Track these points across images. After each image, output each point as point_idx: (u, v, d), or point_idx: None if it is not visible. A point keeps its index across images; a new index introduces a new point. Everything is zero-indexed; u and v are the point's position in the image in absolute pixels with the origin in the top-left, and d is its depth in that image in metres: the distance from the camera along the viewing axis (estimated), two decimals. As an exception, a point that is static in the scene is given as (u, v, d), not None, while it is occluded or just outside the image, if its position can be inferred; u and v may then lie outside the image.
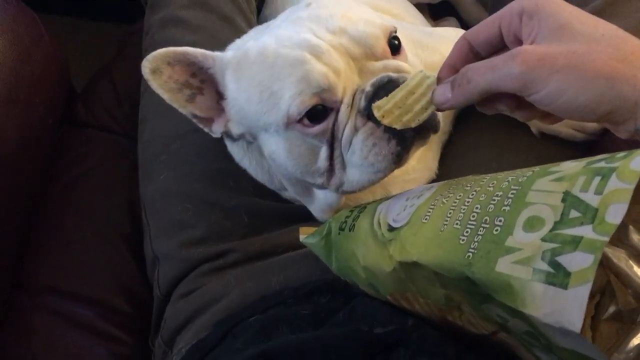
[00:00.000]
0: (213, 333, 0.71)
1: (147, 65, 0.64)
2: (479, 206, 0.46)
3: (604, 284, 0.41)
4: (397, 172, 0.65)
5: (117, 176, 0.97)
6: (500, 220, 0.43)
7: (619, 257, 0.41)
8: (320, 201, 0.75)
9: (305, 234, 0.68)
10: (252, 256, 0.78)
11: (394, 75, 0.60)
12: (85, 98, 1.08)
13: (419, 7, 1.12)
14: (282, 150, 0.65)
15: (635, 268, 0.40)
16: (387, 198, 0.62)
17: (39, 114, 0.91)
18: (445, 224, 0.48)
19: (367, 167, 0.62)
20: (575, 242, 0.37)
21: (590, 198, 0.38)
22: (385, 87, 0.59)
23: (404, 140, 0.60)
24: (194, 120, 0.70)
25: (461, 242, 0.45)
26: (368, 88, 0.60)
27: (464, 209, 0.48)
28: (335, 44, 0.61)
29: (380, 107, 0.58)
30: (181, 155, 0.84)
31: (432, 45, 0.83)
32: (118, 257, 0.92)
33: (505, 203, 0.44)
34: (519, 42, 0.49)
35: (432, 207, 0.52)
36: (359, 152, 0.62)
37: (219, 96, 0.69)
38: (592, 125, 0.76)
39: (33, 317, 0.87)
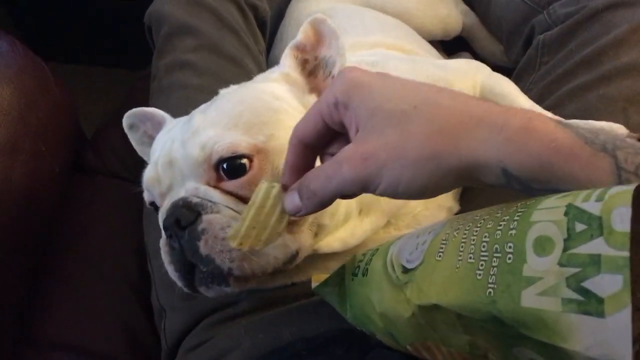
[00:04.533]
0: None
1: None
2: (487, 234, 0.42)
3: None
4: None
5: (126, 223, 0.94)
6: (510, 247, 0.39)
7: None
8: None
9: (318, 282, 0.62)
10: (262, 304, 0.73)
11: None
12: (95, 144, 1.07)
13: (432, 42, 1.10)
14: None
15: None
16: (399, 238, 0.57)
17: (45, 162, 0.90)
18: (460, 259, 0.43)
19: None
20: (596, 263, 0.33)
21: (592, 206, 0.35)
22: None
23: None
24: None
25: (478, 277, 0.40)
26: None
27: (474, 239, 0.43)
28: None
29: (236, 235, 0.54)
30: None
31: (445, 78, 0.81)
32: (126, 308, 0.89)
33: (512, 227, 0.40)
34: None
35: (445, 242, 0.47)
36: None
37: None
38: None
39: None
